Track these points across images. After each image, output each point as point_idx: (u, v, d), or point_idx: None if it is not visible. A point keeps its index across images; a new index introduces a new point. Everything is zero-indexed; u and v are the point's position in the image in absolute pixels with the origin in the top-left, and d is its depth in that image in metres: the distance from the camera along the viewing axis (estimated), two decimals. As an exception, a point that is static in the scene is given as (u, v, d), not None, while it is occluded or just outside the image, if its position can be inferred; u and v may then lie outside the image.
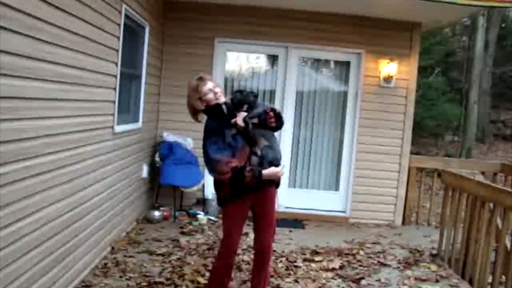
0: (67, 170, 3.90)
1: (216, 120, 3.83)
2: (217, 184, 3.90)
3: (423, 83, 15.44)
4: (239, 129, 3.77)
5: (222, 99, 3.89)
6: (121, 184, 5.57)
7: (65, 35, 3.63)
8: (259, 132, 3.82)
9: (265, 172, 3.73)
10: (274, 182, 3.97)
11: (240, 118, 3.77)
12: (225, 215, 3.97)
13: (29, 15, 3.05)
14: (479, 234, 5.04)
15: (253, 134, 3.79)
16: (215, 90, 3.86)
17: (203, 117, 3.98)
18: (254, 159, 3.76)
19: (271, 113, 3.82)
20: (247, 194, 3.81)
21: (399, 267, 5.45)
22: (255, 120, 3.82)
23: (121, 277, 4.64)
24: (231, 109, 3.86)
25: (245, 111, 3.83)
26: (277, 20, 7.39)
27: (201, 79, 3.90)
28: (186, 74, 6.49)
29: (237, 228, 3.92)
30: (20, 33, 2.97)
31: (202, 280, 4.60)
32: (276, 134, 4.08)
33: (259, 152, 3.79)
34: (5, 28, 2.78)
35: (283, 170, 3.92)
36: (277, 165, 3.85)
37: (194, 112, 3.97)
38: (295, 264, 5.33)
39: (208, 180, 6.68)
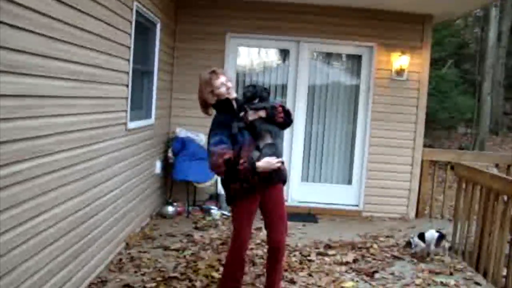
0: (81, 167, 3.94)
1: (225, 114, 3.83)
2: (224, 183, 3.92)
3: (436, 75, 15.31)
4: (246, 122, 3.76)
5: (234, 94, 3.89)
6: (135, 180, 5.61)
7: (77, 33, 3.66)
8: (265, 127, 3.80)
9: (260, 164, 3.69)
10: (281, 179, 3.97)
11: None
12: (234, 212, 4.00)
13: (41, 13, 3.08)
14: (493, 226, 5.02)
15: (260, 128, 3.78)
16: (227, 85, 3.85)
17: (214, 111, 3.98)
18: (255, 154, 3.74)
19: (280, 108, 3.81)
20: (255, 192, 3.83)
21: (412, 260, 5.44)
22: (263, 114, 3.80)
23: (136, 272, 4.68)
24: (242, 103, 3.86)
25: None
26: (289, 15, 7.38)
27: (214, 72, 3.87)
28: (198, 70, 6.46)
29: (247, 224, 3.93)
30: (33, 32, 3.00)
31: (216, 274, 4.63)
32: (287, 129, 4.08)
33: (261, 146, 3.76)
34: (18, 27, 2.82)
35: (279, 163, 3.80)
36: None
37: (205, 106, 3.96)
38: (308, 258, 5.34)
39: (221, 175, 6.71)
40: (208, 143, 3.77)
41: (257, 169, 3.69)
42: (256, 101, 3.84)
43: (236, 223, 3.96)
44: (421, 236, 5.55)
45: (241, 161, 3.64)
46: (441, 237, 5.53)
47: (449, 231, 6.12)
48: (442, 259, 5.48)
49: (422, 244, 5.50)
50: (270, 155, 3.76)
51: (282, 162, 3.88)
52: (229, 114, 3.82)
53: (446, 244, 5.58)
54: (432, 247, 5.49)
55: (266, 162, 3.73)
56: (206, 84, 3.87)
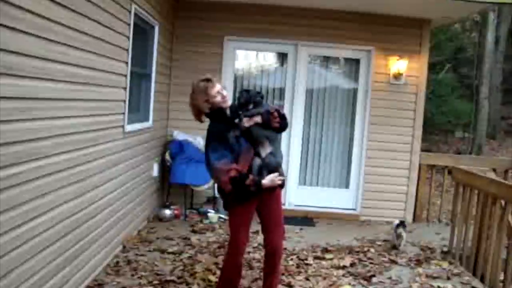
0: (79, 169, 3.94)
1: (219, 124, 3.80)
2: (220, 189, 3.92)
3: (433, 79, 15.34)
4: (242, 129, 3.75)
5: (229, 103, 3.86)
6: (132, 183, 5.60)
7: (75, 36, 3.66)
8: (262, 133, 3.80)
9: (265, 182, 3.74)
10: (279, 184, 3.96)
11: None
12: (231, 216, 3.98)
13: (40, 16, 3.07)
14: (491, 231, 5.02)
15: (257, 134, 3.78)
16: (223, 93, 3.81)
17: (206, 118, 3.95)
18: (257, 162, 3.75)
19: (276, 113, 3.79)
20: (253, 197, 3.82)
21: (410, 265, 5.44)
22: (259, 119, 3.78)
23: (132, 275, 4.67)
24: (235, 109, 3.84)
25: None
26: (287, 18, 7.38)
27: (209, 80, 3.82)
28: (196, 73, 6.49)
29: (244, 228, 3.92)
30: (32, 34, 3.00)
31: (213, 278, 4.62)
32: (284, 133, 4.08)
33: (263, 155, 3.79)
34: (16, 29, 2.81)
35: (280, 181, 3.88)
36: (277, 170, 3.87)
37: (198, 114, 3.91)
38: (306, 262, 5.34)
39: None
40: (208, 157, 3.75)
41: (262, 187, 3.75)
42: (251, 106, 3.82)
43: (233, 228, 3.94)
44: None
45: (248, 182, 3.67)
46: (398, 225, 5.94)
47: (446, 236, 6.14)
48: (440, 264, 5.49)
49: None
50: (273, 165, 3.81)
51: (283, 180, 3.94)
52: (224, 122, 3.80)
53: (403, 232, 5.91)
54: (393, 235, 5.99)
55: (270, 181, 3.78)
56: (201, 93, 3.80)
